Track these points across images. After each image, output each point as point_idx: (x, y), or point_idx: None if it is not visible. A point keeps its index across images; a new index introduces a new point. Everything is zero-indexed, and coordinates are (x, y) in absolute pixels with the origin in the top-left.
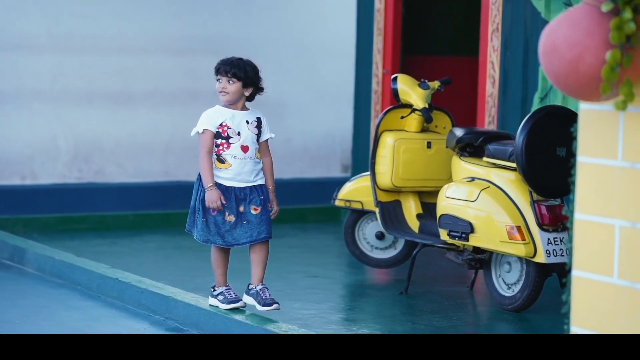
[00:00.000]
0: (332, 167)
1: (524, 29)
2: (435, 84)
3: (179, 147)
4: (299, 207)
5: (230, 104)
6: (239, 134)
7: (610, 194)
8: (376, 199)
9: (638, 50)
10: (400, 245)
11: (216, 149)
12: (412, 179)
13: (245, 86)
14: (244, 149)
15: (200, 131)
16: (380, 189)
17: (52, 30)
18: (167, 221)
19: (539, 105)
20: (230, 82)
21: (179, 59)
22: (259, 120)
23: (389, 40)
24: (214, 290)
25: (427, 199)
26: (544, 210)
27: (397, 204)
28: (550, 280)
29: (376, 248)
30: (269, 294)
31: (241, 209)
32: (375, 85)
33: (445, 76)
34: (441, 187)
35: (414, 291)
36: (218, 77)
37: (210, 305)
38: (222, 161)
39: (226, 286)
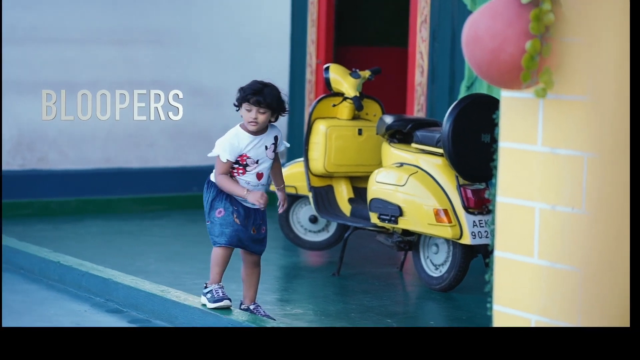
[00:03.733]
0: None
1: (451, 21)
2: (366, 73)
3: (120, 135)
4: None
5: (257, 130)
6: (257, 162)
7: (531, 178)
8: (309, 184)
9: (557, 40)
10: (332, 228)
11: (231, 170)
12: (343, 165)
13: (273, 114)
14: (259, 176)
15: (224, 160)
16: (313, 175)
17: None
18: (108, 207)
19: (465, 93)
20: (261, 111)
21: (120, 49)
22: (276, 139)
23: (322, 31)
24: (206, 287)
25: (359, 184)
26: (469, 194)
27: (329, 189)
28: (475, 260)
29: (310, 231)
30: (263, 311)
31: (246, 221)
32: (309, 75)
33: (376, 66)
34: (372, 172)
35: (346, 272)
36: (246, 105)
37: (202, 305)
38: (235, 181)
39: (218, 284)
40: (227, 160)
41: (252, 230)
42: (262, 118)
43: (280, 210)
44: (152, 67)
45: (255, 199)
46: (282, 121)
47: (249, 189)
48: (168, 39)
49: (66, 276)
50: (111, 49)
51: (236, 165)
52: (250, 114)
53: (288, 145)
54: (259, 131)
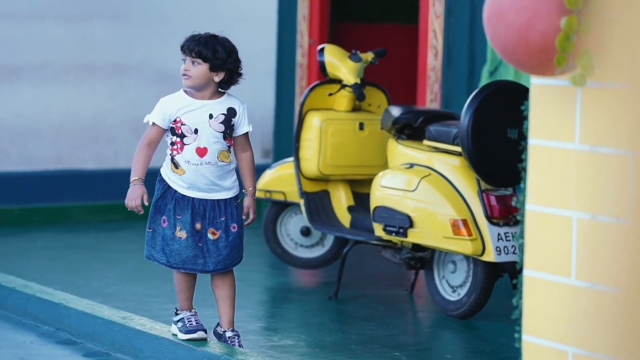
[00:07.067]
0: None
1: None
2: (369, 56)
3: (72, 130)
4: None
5: (196, 91)
6: (195, 131)
7: (567, 181)
8: (301, 189)
9: (597, 16)
10: (329, 242)
11: (171, 148)
12: (342, 166)
13: (213, 70)
14: (201, 152)
15: (150, 123)
16: (305, 178)
17: None
18: (58, 216)
19: (488, 80)
20: (195, 63)
21: (73, 27)
22: (230, 111)
23: (315, 6)
24: (176, 314)
25: (360, 189)
26: (493, 201)
27: (325, 195)
28: (501, 281)
29: (301, 246)
30: (239, 344)
31: (198, 226)
32: (300, 58)
33: (380, 47)
34: (375, 174)
35: (345, 295)
36: (182, 56)
37: (173, 334)
38: (176, 165)
39: (190, 311)
40: (154, 123)
41: (210, 234)
42: (195, 72)
43: (246, 223)
44: (110, 48)
45: (128, 196)
46: (268, 111)
47: (189, 171)
48: (130, 14)
49: (8, 300)
50: (62, 26)
51: (175, 139)
52: (183, 65)
53: (250, 129)
54: (203, 93)
